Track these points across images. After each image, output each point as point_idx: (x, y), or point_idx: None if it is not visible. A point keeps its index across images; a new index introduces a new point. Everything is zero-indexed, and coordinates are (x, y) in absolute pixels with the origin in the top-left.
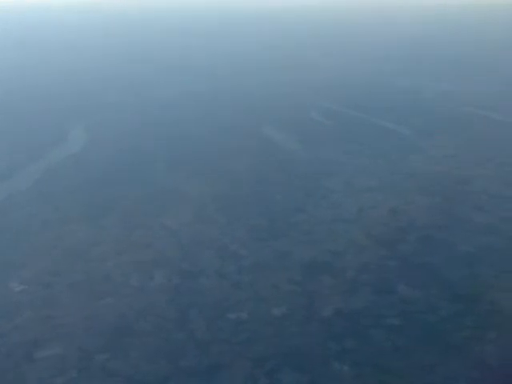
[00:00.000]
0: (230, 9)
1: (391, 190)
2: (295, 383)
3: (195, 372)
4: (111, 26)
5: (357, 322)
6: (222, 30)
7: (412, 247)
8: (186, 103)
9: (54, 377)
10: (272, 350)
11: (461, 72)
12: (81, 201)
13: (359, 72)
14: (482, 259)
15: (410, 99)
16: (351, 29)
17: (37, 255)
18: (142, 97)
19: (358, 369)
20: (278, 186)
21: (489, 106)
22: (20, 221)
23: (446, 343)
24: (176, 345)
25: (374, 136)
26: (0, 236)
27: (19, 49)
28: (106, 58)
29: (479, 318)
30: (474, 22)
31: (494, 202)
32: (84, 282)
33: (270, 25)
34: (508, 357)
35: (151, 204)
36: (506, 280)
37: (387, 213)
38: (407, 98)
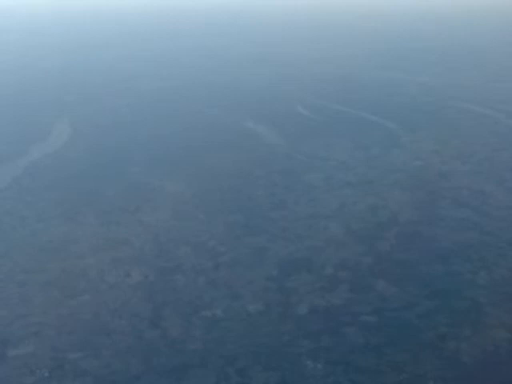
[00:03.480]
0: (214, 4)
1: (371, 186)
2: (266, 381)
3: (167, 370)
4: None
5: (332, 319)
6: (205, 25)
7: (391, 243)
8: (168, 98)
9: (25, 376)
10: (245, 347)
11: (445, 66)
12: (59, 198)
13: (345, 66)
14: (459, 255)
15: (394, 93)
16: (337, 23)
17: (12, 252)
18: (122, 92)
19: (330, 367)
20: (259, 182)
21: (472, 99)
22: None
23: (420, 341)
24: (149, 343)
25: (357, 130)
26: None
27: None
28: (80, 52)
29: (455, 315)
30: (459, 17)
31: (473, 198)
32: (59, 279)
33: (255, 19)
34: (482, 354)
35: (129, 200)
36: (483, 276)
37: (367, 208)
38: (392, 91)
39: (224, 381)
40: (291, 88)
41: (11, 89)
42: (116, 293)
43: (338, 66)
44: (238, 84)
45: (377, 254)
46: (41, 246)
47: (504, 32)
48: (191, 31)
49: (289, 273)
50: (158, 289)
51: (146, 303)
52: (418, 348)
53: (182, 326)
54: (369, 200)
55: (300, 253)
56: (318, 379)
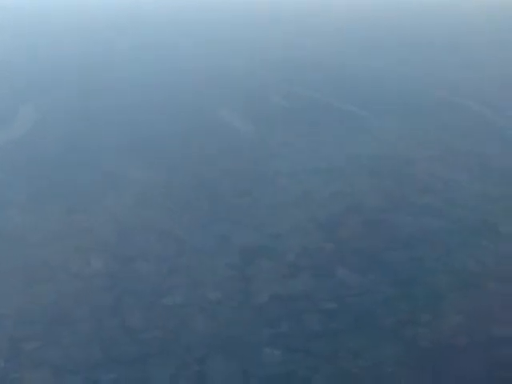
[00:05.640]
0: None
1: (337, 173)
2: (225, 369)
3: (126, 360)
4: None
5: (292, 306)
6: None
7: (354, 230)
8: (139, 84)
9: None
10: (205, 336)
11: (424, 55)
12: (21, 185)
13: (324, 54)
14: (423, 242)
15: (372, 81)
16: (318, 11)
17: None
18: (92, 78)
19: (289, 354)
20: (226, 170)
21: (450, 89)
22: None
23: (379, 327)
24: (108, 332)
25: (330, 118)
26: None
27: None
28: (57, 37)
29: (415, 301)
30: (441, 7)
31: (439, 185)
32: (20, 268)
33: (234, 5)
34: (440, 339)
35: (94, 188)
36: (446, 262)
37: (331, 196)
38: (369, 80)
39: (183, 369)
40: (266, 74)
41: None
42: (77, 281)
43: (317, 53)
44: (212, 69)
45: (339, 241)
46: (1, 234)
47: (491, 28)
48: (155, 13)
49: (251, 260)
50: (120, 277)
51: (106, 292)
52: (377, 334)
53: (143, 314)
54: (334, 187)
55: (262, 240)
56: (277, 366)
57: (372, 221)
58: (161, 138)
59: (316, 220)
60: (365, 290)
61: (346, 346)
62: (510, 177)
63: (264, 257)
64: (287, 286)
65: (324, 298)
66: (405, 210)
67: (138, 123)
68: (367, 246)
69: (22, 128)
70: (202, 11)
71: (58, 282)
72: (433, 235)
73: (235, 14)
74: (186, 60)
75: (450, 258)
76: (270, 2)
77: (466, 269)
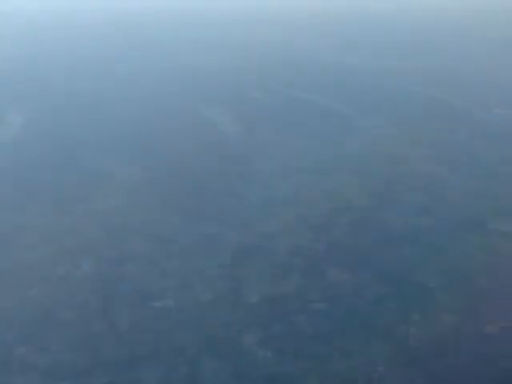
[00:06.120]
0: None
1: (326, 172)
2: (216, 371)
3: (115, 363)
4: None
5: (283, 307)
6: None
7: (344, 230)
8: (121, 84)
9: None
10: (195, 337)
11: (404, 50)
12: (7, 186)
13: (304, 50)
14: (412, 240)
15: (354, 77)
16: (297, 5)
17: None
18: (78, 78)
19: (280, 355)
20: (212, 169)
21: (431, 83)
22: None
23: (370, 327)
24: (97, 336)
25: (314, 115)
26: None
27: None
28: (40, 38)
29: (405, 300)
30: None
31: (428, 182)
32: (6, 272)
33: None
34: (431, 338)
35: (81, 189)
36: (435, 260)
37: (321, 195)
38: (352, 76)
39: (174, 371)
40: (248, 72)
41: None
42: (65, 284)
43: (297, 50)
44: (193, 68)
45: (329, 240)
46: None
47: (476, 27)
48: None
49: (241, 261)
50: (108, 279)
51: (95, 294)
52: (367, 334)
53: (132, 317)
54: (323, 186)
55: (253, 240)
56: (268, 368)
57: (362, 220)
58: (144, 136)
59: (306, 219)
60: (355, 290)
61: (337, 347)
62: (498, 173)
63: (254, 257)
64: (278, 286)
65: (315, 299)
66: (394, 208)
67: (124, 123)
68: (357, 245)
69: (9, 130)
70: (184, 14)
71: (45, 285)
72: (422, 233)
73: (219, 15)
74: (170, 59)
75: (439, 256)
76: (249, 2)
77: (456, 266)
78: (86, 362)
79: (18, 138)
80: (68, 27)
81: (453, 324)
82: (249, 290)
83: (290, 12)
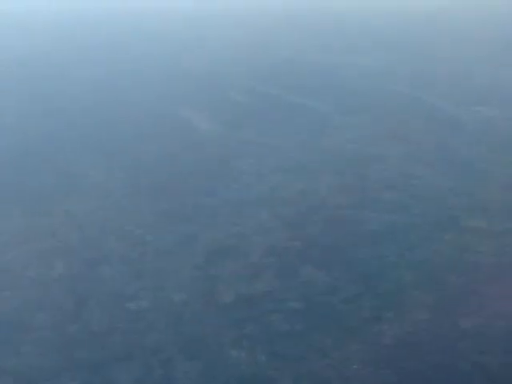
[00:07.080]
0: None
1: (302, 171)
2: (189, 371)
3: (89, 365)
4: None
5: (257, 307)
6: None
7: (319, 228)
8: (99, 85)
9: None
10: (169, 338)
11: (385, 50)
12: None
13: (282, 49)
14: (387, 238)
15: (333, 76)
16: (278, 5)
17: None
18: (54, 77)
19: (254, 355)
20: (189, 169)
21: (412, 83)
22: None
23: (344, 325)
24: (71, 338)
25: (292, 115)
26: None
27: None
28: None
29: (378, 298)
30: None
31: (403, 180)
32: None
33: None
34: (404, 335)
35: (56, 190)
36: (409, 258)
37: (297, 194)
38: (331, 75)
39: (148, 373)
40: (227, 71)
41: None
42: (38, 286)
43: (275, 49)
44: (172, 69)
45: (304, 239)
46: None
47: (456, 27)
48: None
49: (215, 261)
50: (82, 281)
51: (68, 296)
52: (342, 333)
53: (106, 318)
54: (299, 185)
55: (228, 240)
56: (242, 368)
57: (336, 218)
58: (123, 138)
59: (281, 218)
60: (329, 289)
61: (311, 346)
62: (473, 171)
63: (229, 257)
64: (252, 286)
65: (290, 298)
66: (369, 206)
67: (100, 125)
68: (331, 244)
69: None
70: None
71: (19, 287)
72: (397, 231)
73: (202, 15)
74: (144, 61)
75: (413, 253)
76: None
77: (429, 263)
78: (58, 364)
79: None
80: (45, 29)
81: (425, 321)
82: (224, 289)
83: (272, 12)
